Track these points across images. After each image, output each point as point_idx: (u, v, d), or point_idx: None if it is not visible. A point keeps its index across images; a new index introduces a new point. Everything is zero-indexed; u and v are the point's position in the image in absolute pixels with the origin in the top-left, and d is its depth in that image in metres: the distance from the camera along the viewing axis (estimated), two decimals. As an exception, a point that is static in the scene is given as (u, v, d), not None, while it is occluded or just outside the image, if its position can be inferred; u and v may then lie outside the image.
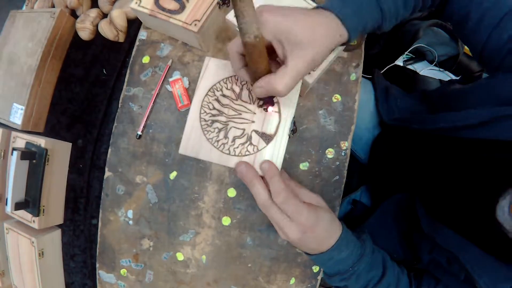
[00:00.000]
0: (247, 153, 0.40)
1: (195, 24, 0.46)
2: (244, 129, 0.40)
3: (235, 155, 0.40)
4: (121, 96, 0.54)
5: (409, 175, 0.58)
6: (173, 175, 0.52)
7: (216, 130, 0.40)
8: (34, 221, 0.53)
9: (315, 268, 0.52)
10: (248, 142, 0.40)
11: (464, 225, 0.46)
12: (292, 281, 0.52)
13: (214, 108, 0.41)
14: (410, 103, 0.63)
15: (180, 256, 0.53)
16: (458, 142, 0.46)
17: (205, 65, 0.42)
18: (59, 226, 0.58)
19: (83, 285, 0.59)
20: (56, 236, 0.57)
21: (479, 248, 0.43)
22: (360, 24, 0.38)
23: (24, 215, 0.53)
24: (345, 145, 0.50)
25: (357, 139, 0.69)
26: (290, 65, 0.33)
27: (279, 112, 0.40)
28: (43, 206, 0.53)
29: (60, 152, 0.56)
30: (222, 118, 0.41)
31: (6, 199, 0.53)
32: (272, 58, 0.36)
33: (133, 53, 0.54)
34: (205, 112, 0.41)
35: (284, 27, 0.33)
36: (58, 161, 0.55)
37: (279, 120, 0.40)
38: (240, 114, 0.40)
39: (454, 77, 1.06)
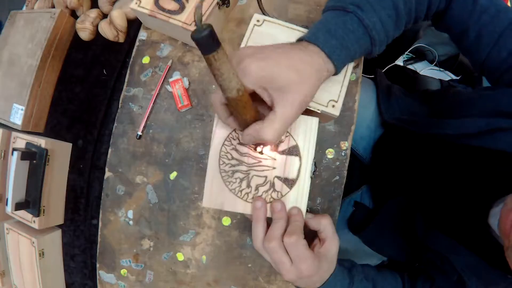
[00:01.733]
0: (271, 199, 0.39)
1: (195, 25, 0.46)
2: (266, 176, 0.40)
3: None
4: (121, 96, 0.54)
5: (409, 177, 0.58)
6: (173, 175, 0.52)
7: (238, 180, 0.40)
8: (34, 221, 0.53)
9: (315, 268, 0.52)
10: (272, 189, 0.39)
11: (458, 228, 0.46)
12: (292, 281, 0.52)
13: (233, 158, 0.40)
14: (411, 103, 0.63)
15: (180, 256, 0.53)
16: (457, 148, 0.46)
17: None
18: (59, 226, 0.58)
19: (83, 285, 0.59)
20: (56, 236, 0.57)
21: (470, 251, 0.43)
22: (347, 56, 0.36)
23: (24, 215, 0.53)
24: (345, 145, 0.50)
25: (359, 138, 0.69)
26: (278, 112, 0.31)
27: (299, 155, 0.40)
28: (44, 206, 0.53)
29: (60, 153, 0.56)
30: (243, 168, 0.40)
31: (7, 199, 0.53)
32: (259, 101, 0.34)
33: (133, 53, 0.54)
34: (224, 163, 0.40)
35: (266, 74, 0.31)
36: (59, 162, 0.55)
37: (299, 164, 0.40)
38: (260, 161, 0.40)
39: (454, 77, 1.06)
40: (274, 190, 0.40)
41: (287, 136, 0.40)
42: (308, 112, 0.44)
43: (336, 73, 0.37)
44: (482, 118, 0.42)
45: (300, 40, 0.37)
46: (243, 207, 0.40)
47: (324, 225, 0.40)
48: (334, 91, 0.42)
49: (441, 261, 0.47)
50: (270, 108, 0.33)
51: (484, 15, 0.42)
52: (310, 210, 0.50)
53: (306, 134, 0.40)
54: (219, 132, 0.40)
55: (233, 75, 0.28)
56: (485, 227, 0.40)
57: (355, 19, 0.35)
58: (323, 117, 0.45)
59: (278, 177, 0.40)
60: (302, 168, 0.40)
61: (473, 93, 0.50)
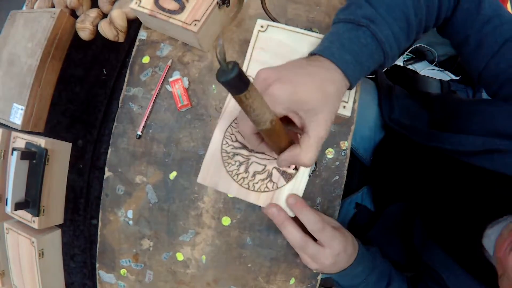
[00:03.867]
0: (266, 189, 0.39)
1: (195, 24, 0.46)
2: (265, 165, 0.40)
3: (254, 190, 0.39)
4: (121, 96, 0.54)
5: (409, 183, 0.58)
6: (173, 175, 0.52)
7: (237, 164, 0.40)
8: (34, 221, 0.53)
9: (315, 268, 0.52)
10: (268, 179, 0.39)
11: (453, 243, 0.47)
12: (292, 281, 0.52)
13: (236, 141, 0.40)
14: (412, 105, 0.63)
15: (180, 256, 0.53)
16: (456, 164, 0.46)
17: (230, 95, 0.41)
18: (59, 226, 0.58)
19: (83, 285, 0.59)
20: (56, 236, 0.57)
21: (463, 269, 0.44)
22: (362, 71, 0.36)
23: (24, 215, 0.53)
24: (345, 145, 0.50)
25: (359, 139, 0.69)
26: (312, 135, 0.32)
27: None
28: (43, 206, 0.53)
29: (60, 152, 0.56)
30: (244, 152, 0.40)
31: (6, 199, 0.53)
32: (286, 121, 0.34)
33: (133, 53, 0.54)
34: (227, 143, 0.40)
35: (296, 98, 0.31)
36: (58, 161, 0.55)
37: None
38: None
39: (454, 77, 1.06)
40: (271, 180, 0.39)
41: None
42: None
43: (351, 88, 0.37)
44: (479, 136, 0.42)
45: (312, 53, 0.36)
46: (237, 191, 0.39)
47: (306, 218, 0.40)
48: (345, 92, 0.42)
49: (436, 275, 0.47)
50: (300, 128, 0.33)
51: (487, 25, 0.41)
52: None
53: None
54: (229, 112, 0.40)
55: (266, 108, 0.27)
56: (479, 247, 0.40)
57: (368, 33, 0.35)
58: (335, 119, 0.45)
59: (277, 169, 0.40)
60: None
61: (473, 105, 0.49)
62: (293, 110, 0.31)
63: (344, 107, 0.42)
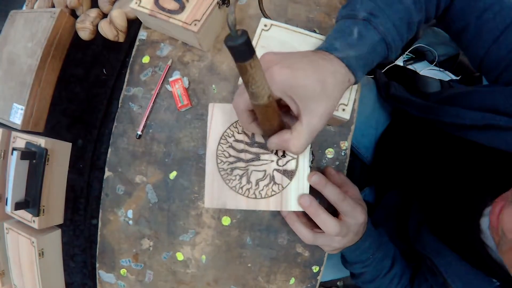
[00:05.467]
0: (273, 193, 0.39)
1: (195, 24, 0.46)
2: (265, 170, 0.40)
3: (261, 197, 0.39)
4: (121, 96, 0.54)
5: (410, 170, 0.59)
6: (173, 175, 0.52)
7: (238, 177, 0.40)
8: (34, 221, 0.52)
9: (315, 268, 0.52)
10: (272, 182, 0.40)
11: (447, 227, 0.47)
12: (292, 281, 0.52)
13: (230, 156, 0.40)
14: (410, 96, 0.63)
15: (180, 256, 0.53)
16: (455, 140, 0.46)
17: (210, 113, 0.40)
18: (59, 226, 0.58)
19: (83, 285, 0.59)
20: (56, 236, 0.57)
21: (456, 254, 0.44)
22: (366, 65, 0.36)
23: (24, 215, 0.53)
24: (345, 145, 0.50)
25: (360, 137, 0.69)
26: (304, 123, 0.32)
27: None
28: (43, 206, 0.53)
29: (60, 152, 0.56)
30: (241, 164, 0.40)
31: (6, 199, 0.53)
32: (283, 109, 0.34)
33: (133, 53, 0.54)
34: (222, 161, 0.40)
35: (293, 83, 0.31)
36: (58, 161, 0.55)
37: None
38: (258, 156, 0.40)
39: (454, 77, 1.06)
40: (275, 183, 0.40)
41: None
42: None
43: (356, 82, 0.37)
44: (478, 111, 0.42)
45: (320, 49, 0.36)
46: (246, 203, 0.39)
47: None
48: (345, 94, 0.42)
49: (429, 262, 0.47)
50: (295, 117, 0.33)
51: (487, 12, 0.41)
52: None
53: None
54: (214, 131, 0.40)
55: (265, 81, 0.27)
56: (476, 229, 0.40)
57: (370, 27, 0.35)
58: (334, 121, 0.45)
59: (277, 170, 0.40)
60: (300, 158, 0.40)
61: (472, 88, 0.50)
62: (289, 95, 0.31)
63: (344, 109, 0.42)
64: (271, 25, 0.45)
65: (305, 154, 0.40)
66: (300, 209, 0.40)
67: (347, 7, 0.39)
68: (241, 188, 0.40)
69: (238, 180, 0.40)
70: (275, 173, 0.40)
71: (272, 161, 0.40)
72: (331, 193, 0.40)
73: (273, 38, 0.44)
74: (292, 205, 0.40)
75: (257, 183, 0.40)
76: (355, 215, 0.41)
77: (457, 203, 0.45)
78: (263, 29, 0.45)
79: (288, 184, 0.39)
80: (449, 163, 0.49)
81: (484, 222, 0.39)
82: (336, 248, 0.43)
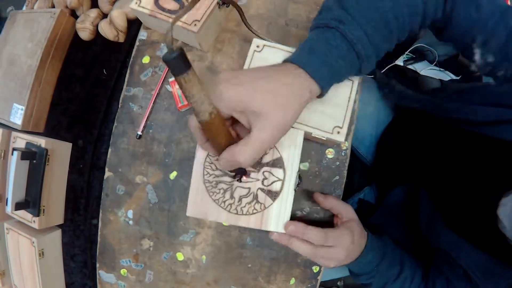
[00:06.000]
0: (254, 211, 0.40)
1: (195, 24, 0.46)
2: (249, 188, 0.40)
3: (243, 214, 0.40)
4: (121, 96, 0.54)
5: (416, 166, 0.58)
6: (173, 175, 0.52)
7: (222, 191, 0.40)
8: (34, 221, 0.53)
9: (315, 268, 0.52)
10: (255, 201, 0.40)
11: (464, 219, 0.46)
12: (292, 281, 0.52)
13: (217, 169, 0.40)
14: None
15: (180, 256, 0.53)
16: (465, 135, 0.46)
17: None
18: (59, 226, 0.58)
19: (83, 285, 0.59)
20: (56, 236, 0.57)
21: (473, 246, 0.44)
22: (333, 74, 0.35)
23: (24, 215, 0.53)
24: (345, 145, 0.50)
25: (361, 137, 0.69)
26: (253, 136, 0.31)
27: (284, 168, 0.40)
28: (43, 206, 0.53)
29: (60, 152, 0.56)
30: (226, 179, 0.40)
31: (7, 199, 0.53)
32: (241, 126, 0.34)
33: (133, 53, 0.54)
34: (208, 173, 0.40)
35: (242, 99, 0.31)
36: (58, 161, 0.55)
37: (283, 176, 0.40)
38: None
39: (454, 77, 1.06)
40: (257, 201, 0.40)
41: (271, 148, 0.40)
42: (314, 138, 0.45)
43: (322, 94, 0.36)
44: (490, 107, 0.42)
45: (285, 61, 0.36)
46: (226, 218, 0.40)
47: (335, 204, 0.45)
48: (339, 116, 0.42)
49: (445, 255, 0.47)
50: (247, 130, 0.33)
51: (490, 21, 0.40)
52: (310, 209, 0.50)
53: (291, 146, 0.40)
54: None
55: (204, 97, 0.28)
56: (493, 218, 0.40)
57: (338, 34, 0.34)
58: (329, 142, 0.45)
59: (262, 189, 0.40)
60: (286, 180, 0.40)
61: (475, 84, 0.50)
62: (239, 110, 0.31)
63: (339, 132, 0.41)
64: (264, 45, 0.44)
65: (291, 177, 0.40)
66: (279, 231, 0.40)
67: (318, 16, 0.38)
68: (224, 202, 0.40)
69: (222, 194, 0.40)
70: (259, 192, 0.40)
71: (258, 180, 0.40)
72: (311, 237, 0.40)
73: (265, 60, 0.44)
74: (272, 225, 0.40)
75: (240, 199, 0.40)
76: (342, 243, 0.42)
77: (472, 195, 0.45)
78: (255, 50, 0.44)
79: (270, 205, 0.40)
80: (461, 156, 0.48)
81: (503, 211, 0.39)
82: (340, 261, 0.43)
